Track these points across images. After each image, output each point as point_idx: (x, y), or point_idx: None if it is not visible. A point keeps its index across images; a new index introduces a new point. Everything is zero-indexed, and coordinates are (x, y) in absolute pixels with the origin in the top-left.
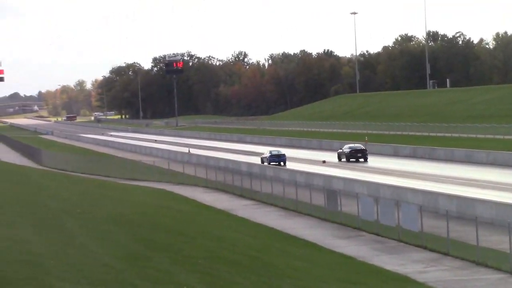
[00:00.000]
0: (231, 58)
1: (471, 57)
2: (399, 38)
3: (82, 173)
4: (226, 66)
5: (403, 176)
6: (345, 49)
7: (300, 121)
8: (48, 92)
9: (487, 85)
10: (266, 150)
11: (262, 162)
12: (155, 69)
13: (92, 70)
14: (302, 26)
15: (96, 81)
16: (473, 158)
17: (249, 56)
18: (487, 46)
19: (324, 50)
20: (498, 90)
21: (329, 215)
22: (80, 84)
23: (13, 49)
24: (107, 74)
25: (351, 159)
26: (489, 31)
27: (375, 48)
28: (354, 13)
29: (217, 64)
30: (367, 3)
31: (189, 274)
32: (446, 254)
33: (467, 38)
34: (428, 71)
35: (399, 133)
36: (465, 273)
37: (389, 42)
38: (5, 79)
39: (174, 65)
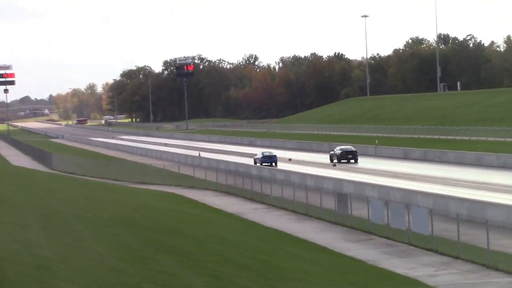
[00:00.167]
0: (242, 61)
1: (482, 60)
2: (410, 41)
3: (92, 177)
4: (237, 69)
5: (413, 180)
6: (355, 52)
7: (311, 124)
8: (59, 96)
9: (498, 88)
10: (259, 152)
11: (255, 163)
12: (166, 72)
13: (103, 74)
14: (313, 29)
15: (106, 84)
16: (483, 161)
17: (260, 59)
18: (498, 49)
19: (335, 53)
20: (509, 93)
21: (340, 219)
22: (91, 87)
23: (24, 53)
24: (117, 77)
25: (342, 160)
26: (500, 34)
27: (385, 51)
28: (365, 16)
29: (228, 67)
30: (378, 6)
31: (198, 277)
32: (456, 257)
33: (478, 41)
34: (439, 74)
35: (409, 136)
36: (475, 277)
37: (400, 45)
38: (16, 82)
39: (185, 68)
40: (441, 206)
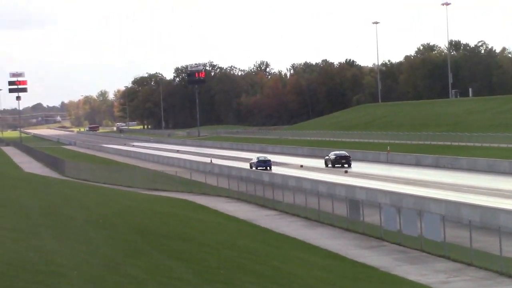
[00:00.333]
0: (253, 68)
1: (493, 66)
2: (421, 47)
3: (104, 183)
4: (248, 76)
5: (425, 186)
6: (367, 59)
7: (322, 131)
8: (71, 103)
9: (510, 94)
10: (254, 156)
11: (251, 167)
12: (177, 79)
13: (115, 81)
14: (324, 36)
15: (118, 91)
16: (495, 168)
17: (271, 66)
18: (509, 55)
19: (346, 59)
20: None
21: (352, 225)
22: (103, 94)
23: (36, 60)
24: (129, 84)
25: (336, 165)
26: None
27: (397, 57)
28: (376, 22)
29: (239, 74)
30: (389, 13)
31: (211, 284)
32: (469, 264)
33: (490, 47)
34: (451, 81)
35: (421, 142)
36: (488, 284)
37: (411, 52)
38: (28, 89)
39: (196, 75)
40: (453, 213)
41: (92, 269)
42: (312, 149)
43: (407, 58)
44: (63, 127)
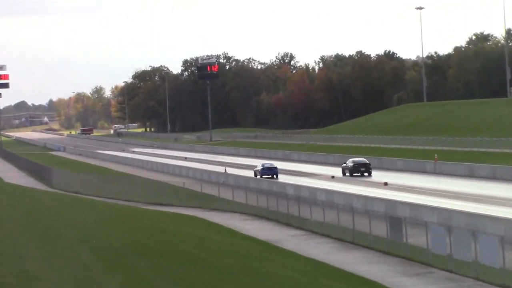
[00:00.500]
0: (275, 60)
1: None
2: (474, 37)
3: (99, 197)
4: (269, 70)
5: (480, 201)
6: (409, 50)
7: (357, 135)
8: (60, 101)
9: None
10: (259, 163)
11: (255, 175)
12: (186, 73)
13: (112, 75)
14: (359, 23)
15: (116, 88)
16: None
17: (296, 58)
18: None
19: (385, 51)
20: None
21: (393, 248)
22: (98, 91)
23: (20, 52)
24: (129, 79)
25: (354, 174)
26: None
27: (445, 49)
28: (420, 8)
29: (259, 67)
30: None
31: None
32: None
33: None
34: (508, 76)
35: (475, 149)
36: None
37: (462, 42)
38: (10, 85)
39: (208, 69)
40: None
41: None
42: (345, 156)
43: (457, 49)
44: (51, 130)
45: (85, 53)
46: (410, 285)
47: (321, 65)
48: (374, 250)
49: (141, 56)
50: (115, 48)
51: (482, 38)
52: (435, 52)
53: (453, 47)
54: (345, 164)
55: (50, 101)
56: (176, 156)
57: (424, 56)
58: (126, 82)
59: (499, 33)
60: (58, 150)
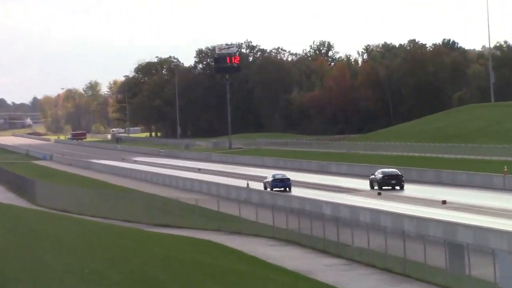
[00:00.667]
0: (309, 50)
1: None
2: None
3: (92, 216)
4: (302, 62)
5: None
6: (473, 39)
7: (410, 143)
8: (47, 99)
9: None
10: (269, 174)
11: (265, 187)
12: (200, 66)
13: (110, 68)
14: (411, 6)
15: (114, 83)
16: None
17: (335, 48)
18: None
19: (444, 40)
20: None
21: (452, 281)
22: (92, 87)
23: None
24: (130, 73)
25: (384, 187)
26: None
27: None
28: None
29: (289, 59)
30: None
31: None
32: None
33: None
34: None
35: None
36: None
37: None
38: None
39: (228, 61)
40: None
41: None
42: (396, 168)
43: None
44: (35, 134)
45: (76, 41)
46: None
47: (365, 56)
48: (429, 284)
49: (145, 45)
50: (114, 34)
51: None
52: (505, 42)
53: None
54: (373, 176)
55: (35, 99)
56: (187, 167)
57: (491, 46)
58: (127, 76)
59: None
60: (44, 158)
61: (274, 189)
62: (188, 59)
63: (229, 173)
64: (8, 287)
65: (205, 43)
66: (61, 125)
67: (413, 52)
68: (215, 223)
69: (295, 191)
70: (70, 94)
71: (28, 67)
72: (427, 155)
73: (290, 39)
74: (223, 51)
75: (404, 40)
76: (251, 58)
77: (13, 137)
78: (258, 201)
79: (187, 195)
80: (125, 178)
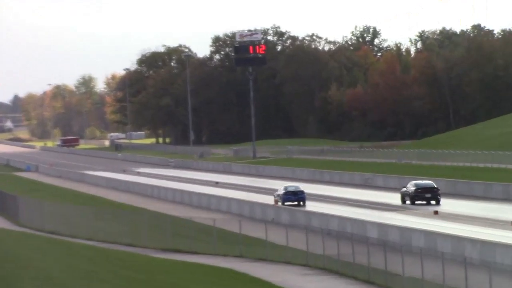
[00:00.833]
0: (351, 38)
1: None
2: None
3: (88, 239)
4: (342, 53)
5: None
6: None
7: (473, 151)
8: (30, 97)
9: None
10: (281, 186)
11: (276, 202)
12: (217, 57)
13: (107, 60)
14: None
15: (113, 78)
16: None
17: (382, 35)
18: None
19: None
20: None
21: None
22: (86, 82)
23: None
24: (132, 65)
25: (417, 201)
26: None
27: None
28: None
29: (326, 48)
30: None
31: None
32: None
33: None
34: None
35: None
36: None
37: None
38: None
39: (251, 50)
40: None
41: None
42: (455, 182)
43: None
44: (16, 139)
45: (66, 27)
46: None
47: (419, 45)
48: None
49: (150, 31)
50: (111, 19)
51: None
52: None
53: None
54: (405, 189)
55: (16, 97)
56: (203, 181)
57: None
58: (127, 69)
59: None
60: (28, 170)
61: (286, 203)
62: (202, 49)
63: (253, 188)
64: None
65: (223, 29)
66: (48, 128)
67: (477, 40)
68: (237, 248)
69: (333, 209)
70: (58, 92)
71: (7, 59)
72: (494, 165)
73: (327, 24)
74: (245, 39)
75: (466, 26)
76: (279, 48)
77: None
78: (289, 222)
79: (203, 214)
80: (126, 193)
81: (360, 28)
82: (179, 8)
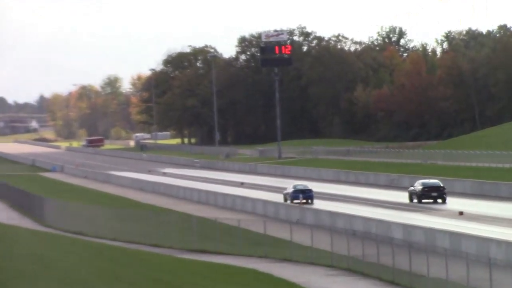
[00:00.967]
0: (377, 38)
1: None
2: None
3: (113, 240)
4: (368, 53)
5: None
6: None
7: (500, 151)
8: (56, 98)
9: None
10: (290, 185)
11: (285, 200)
12: (243, 57)
13: (133, 60)
14: None
15: (138, 78)
16: None
17: (408, 36)
18: None
19: None
20: None
21: None
22: (111, 83)
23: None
24: (158, 66)
25: (424, 200)
26: None
27: None
28: None
29: (352, 49)
30: None
31: None
32: None
33: None
34: None
35: None
36: None
37: None
38: None
39: (277, 51)
40: None
41: None
42: (481, 183)
43: None
44: (42, 140)
45: (92, 28)
46: None
47: (445, 46)
48: None
49: (176, 32)
50: (138, 19)
51: None
52: None
53: None
54: (412, 188)
55: (41, 98)
56: (228, 181)
57: None
58: (153, 70)
59: None
60: (53, 170)
61: (294, 201)
62: (228, 49)
63: (278, 188)
64: None
65: (249, 30)
66: (73, 129)
67: (504, 41)
68: (262, 249)
69: (358, 210)
70: (84, 92)
71: (33, 59)
72: None
73: (353, 24)
74: (271, 39)
75: (493, 26)
76: (305, 48)
77: (15, 143)
78: (313, 222)
79: (228, 215)
80: (152, 194)
81: (386, 28)
82: (205, 9)
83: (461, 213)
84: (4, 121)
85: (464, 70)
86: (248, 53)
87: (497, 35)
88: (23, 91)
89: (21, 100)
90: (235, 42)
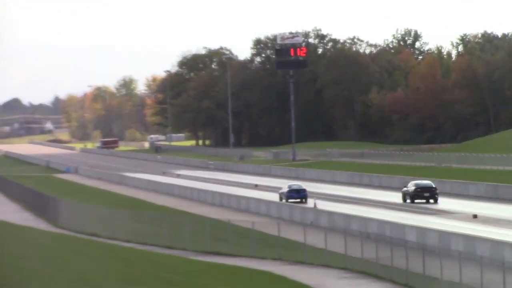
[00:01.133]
0: (392, 41)
1: None
2: None
3: (127, 242)
4: (383, 56)
5: None
6: None
7: None
8: (71, 99)
9: None
10: (285, 185)
11: (280, 199)
12: (258, 59)
13: (147, 62)
14: None
15: (154, 79)
16: None
17: (423, 39)
18: None
19: None
20: None
21: None
22: (126, 85)
23: (11, 31)
24: (173, 67)
25: (416, 200)
26: None
27: None
28: None
29: (367, 51)
30: None
31: None
32: None
33: None
34: None
35: None
36: None
37: None
38: None
39: (292, 53)
40: None
41: None
42: (496, 186)
43: None
44: (57, 141)
45: (106, 29)
46: None
47: (460, 48)
48: None
49: (192, 33)
50: (153, 21)
51: None
52: None
53: None
54: (405, 188)
55: (56, 99)
56: (242, 183)
57: None
58: (168, 71)
59: None
60: (68, 171)
61: (289, 200)
62: (243, 51)
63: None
64: None
65: (264, 32)
66: (88, 130)
67: None
68: (276, 251)
69: (372, 213)
70: (99, 93)
71: (48, 60)
72: None
73: (368, 27)
74: (286, 41)
75: (508, 29)
76: (320, 51)
77: (30, 145)
78: (328, 225)
79: (242, 217)
80: (166, 196)
81: (402, 31)
82: (220, 11)
83: (475, 216)
84: (19, 122)
85: (479, 73)
86: (263, 55)
87: None
88: (38, 92)
89: (36, 101)
90: (251, 44)
